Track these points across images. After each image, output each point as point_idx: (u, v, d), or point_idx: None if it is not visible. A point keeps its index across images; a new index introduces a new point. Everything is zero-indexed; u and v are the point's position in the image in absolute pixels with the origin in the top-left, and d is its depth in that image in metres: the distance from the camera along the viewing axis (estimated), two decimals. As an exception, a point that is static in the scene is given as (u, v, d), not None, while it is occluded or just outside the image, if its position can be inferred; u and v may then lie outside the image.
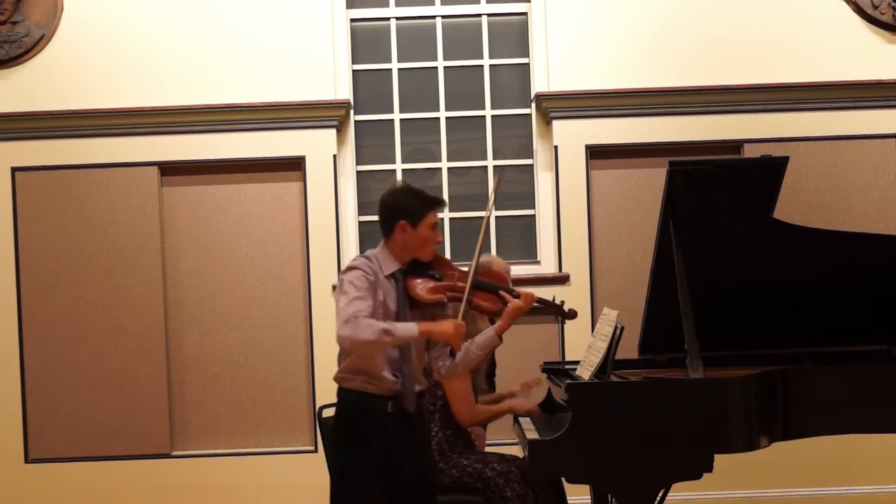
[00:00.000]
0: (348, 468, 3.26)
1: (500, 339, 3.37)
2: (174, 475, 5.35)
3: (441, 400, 3.86)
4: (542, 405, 4.22)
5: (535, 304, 3.39)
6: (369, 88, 5.67)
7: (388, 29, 5.67)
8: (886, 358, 3.80)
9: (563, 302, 3.50)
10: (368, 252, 3.36)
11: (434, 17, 5.67)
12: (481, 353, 3.37)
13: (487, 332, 3.37)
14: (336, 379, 3.33)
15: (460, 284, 3.28)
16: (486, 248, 5.58)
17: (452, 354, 3.42)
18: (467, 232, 5.56)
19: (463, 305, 3.24)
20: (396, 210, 3.28)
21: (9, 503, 5.33)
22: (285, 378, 5.42)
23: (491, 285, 3.36)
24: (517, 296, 3.33)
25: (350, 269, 3.24)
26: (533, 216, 5.61)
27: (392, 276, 3.28)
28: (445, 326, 3.17)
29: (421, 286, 3.27)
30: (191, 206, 5.45)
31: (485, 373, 4.17)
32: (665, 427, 3.22)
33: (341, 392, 3.33)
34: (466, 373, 3.71)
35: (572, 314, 3.51)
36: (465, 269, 3.35)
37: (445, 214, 5.58)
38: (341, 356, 3.31)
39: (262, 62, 5.39)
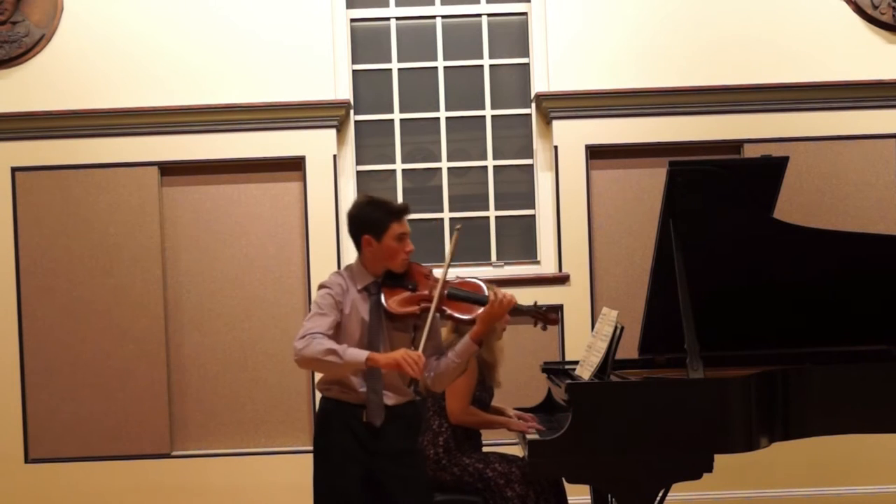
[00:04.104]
0: (322, 474, 3.26)
1: (479, 344, 3.24)
2: (174, 475, 5.35)
3: None
4: (542, 405, 4.23)
5: (516, 307, 3.23)
6: (369, 88, 5.67)
7: (388, 29, 5.67)
8: (887, 358, 3.81)
9: (546, 308, 3.35)
10: (350, 264, 3.35)
11: (434, 17, 5.67)
12: (460, 360, 3.24)
13: (465, 339, 3.24)
14: (317, 387, 3.34)
15: (435, 294, 3.18)
16: (485, 248, 5.60)
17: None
18: (467, 232, 5.54)
19: (430, 317, 3.13)
20: (359, 224, 3.25)
21: (9, 503, 5.33)
22: (285, 378, 5.42)
23: (463, 293, 3.24)
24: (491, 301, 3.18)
25: (319, 286, 3.27)
26: (533, 216, 5.60)
27: (365, 289, 3.24)
28: (393, 357, 3.03)
29: (393, 299, 3.21)
30: (191, 206, 5.45)
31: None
32: (665, 427, 3.23)
33: (321, 400, 3.33)
34: (472, 372, 3.70)
35: (552, 320, 3.36)
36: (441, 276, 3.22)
37: (445, 214, 5.59)
38: None
39: (262, 62, 5.39)
